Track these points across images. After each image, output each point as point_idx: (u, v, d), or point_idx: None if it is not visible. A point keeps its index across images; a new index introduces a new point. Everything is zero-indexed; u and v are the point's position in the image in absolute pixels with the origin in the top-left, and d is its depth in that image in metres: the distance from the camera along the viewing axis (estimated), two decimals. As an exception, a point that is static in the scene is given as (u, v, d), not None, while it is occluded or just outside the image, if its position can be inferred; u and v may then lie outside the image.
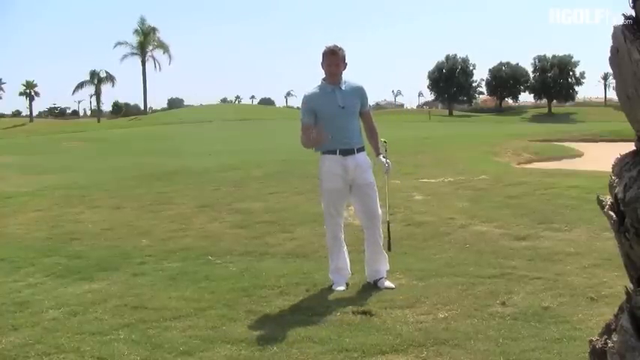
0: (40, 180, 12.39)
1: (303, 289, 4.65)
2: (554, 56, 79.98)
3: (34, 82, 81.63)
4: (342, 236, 4.85)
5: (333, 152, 4.68)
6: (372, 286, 4.67)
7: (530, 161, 16.13)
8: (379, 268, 4.74)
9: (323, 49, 4.68)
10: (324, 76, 4.74)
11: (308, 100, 4.74)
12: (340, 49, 4.68)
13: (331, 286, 4.67)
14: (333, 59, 4.65)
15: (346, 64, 4.74)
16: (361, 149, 4.76)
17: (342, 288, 4.63)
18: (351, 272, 4.83)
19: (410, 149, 15.31)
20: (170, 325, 3.94)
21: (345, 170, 4.67)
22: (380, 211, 4.80)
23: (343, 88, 4.70)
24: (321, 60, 4.70)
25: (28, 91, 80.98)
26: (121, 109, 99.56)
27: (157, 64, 73.90)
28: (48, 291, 4.85)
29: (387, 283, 4.65)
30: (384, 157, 4.84)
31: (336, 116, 4.65)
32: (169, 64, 74.71)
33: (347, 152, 4.67)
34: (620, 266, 1.66)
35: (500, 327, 3.69)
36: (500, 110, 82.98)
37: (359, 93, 4.78)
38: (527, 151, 17.99)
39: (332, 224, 4.78)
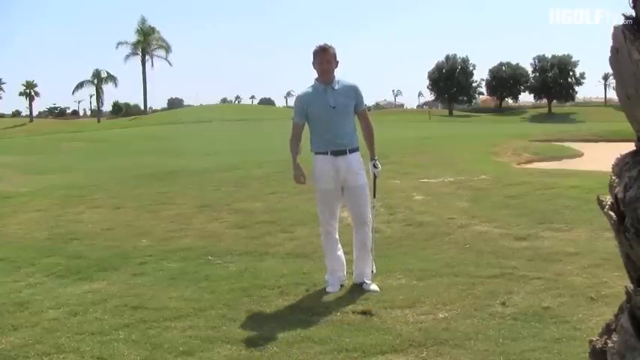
0: (40, 180, 12.40)
1: (303, 289, 4.65)
2: (554, 56, 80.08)
3: (34, 82, 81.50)
4: (337, 237, 4.79)
5: (325, 153, 4.64)
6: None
7: (530, 161, 16.09)
8: (364, 271, 4.71)
9: (313, 48, 4.66)
10: (317, 76, 4.70)
11: (300, 99, 4.75)
12: (331, 46, 4.65)
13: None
14: (325, 56, 4.61)
15: (337, 62, 4.70)
16: (354, 150, 4.68)
17: (334, 290, 4.59)
18: (346, 275, 4.79)
19: (410, 149, 15.31)
20: (170, 325, 3.95)
21: (336, 171, 4.62)
22: (370, 214, 4.76)
23: (336, 87, 4.64)
24: (312, 60, 4.67)
25: (28, 91, 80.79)
26: (121, 109, 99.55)
27: (153, 64, 74.10)
28: (48, 291, 4.86)
29: (373, 287, 4.59)
30: (374, 166, 4.77)
31: (327, 116, 4.61)
32: (166, 58, 74.47)
33: (338, 153, 4.63)
34: (620, 266, 1.66)
35: (500, 327, 3.69)
36: (500, 110, 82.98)
37: (352, 93, 4.71)
38: (527, 151, 17.94)
39: (325, 225, 4.75)
